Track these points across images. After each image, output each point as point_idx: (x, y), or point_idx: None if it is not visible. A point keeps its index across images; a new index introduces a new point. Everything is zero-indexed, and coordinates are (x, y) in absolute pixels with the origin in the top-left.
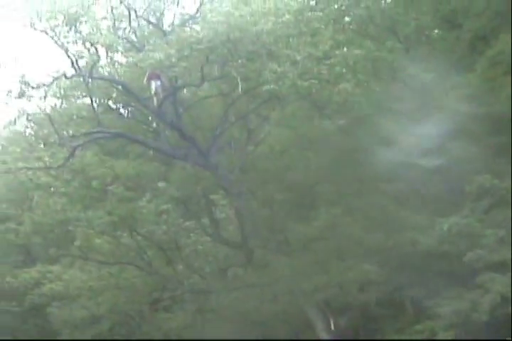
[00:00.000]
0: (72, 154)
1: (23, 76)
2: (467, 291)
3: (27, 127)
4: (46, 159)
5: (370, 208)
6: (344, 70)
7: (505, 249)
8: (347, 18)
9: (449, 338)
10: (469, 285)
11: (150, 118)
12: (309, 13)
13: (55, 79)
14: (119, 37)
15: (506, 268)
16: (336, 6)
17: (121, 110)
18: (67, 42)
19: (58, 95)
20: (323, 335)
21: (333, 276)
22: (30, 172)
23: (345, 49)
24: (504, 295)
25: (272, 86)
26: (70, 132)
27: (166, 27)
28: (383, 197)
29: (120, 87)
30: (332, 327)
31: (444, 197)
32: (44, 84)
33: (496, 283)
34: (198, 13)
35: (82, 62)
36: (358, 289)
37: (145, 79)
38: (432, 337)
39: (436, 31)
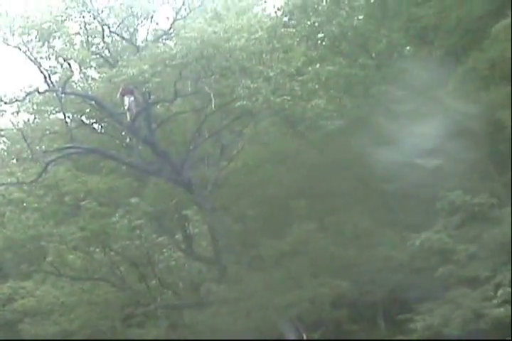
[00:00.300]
0: (44, 169)
1: None
2: (439, 306)
3: (0, 142)
4: (19, 174)
5: (343, 224)
6: (317, 86)
7: (476, 264)
8: (320, 35)
9: None
10: (441, 301)
11: (123, 133)
12: (282, 30)
13: (28, 94)
14: (92, 52)
15: (478, 283)
16: (308, 23)
17: (95, 125)
18: (40, 58)
19: (31, 110)
20: None
21: (306, 291)
22: (2, 188)
23: (317, 65)
24: (476, 311)
25: (245, 102)
26: (43, 147)
27: (139, 42)
28: (356, 212)
29: (93, 102)
30: None
31: (417, 212)
32: (17, 100)
33: (467, 298)
34: (172, 29)
35: (55, 78)
36: (330, 304)
37: (118, 94)
38: None
39: (407, 48)
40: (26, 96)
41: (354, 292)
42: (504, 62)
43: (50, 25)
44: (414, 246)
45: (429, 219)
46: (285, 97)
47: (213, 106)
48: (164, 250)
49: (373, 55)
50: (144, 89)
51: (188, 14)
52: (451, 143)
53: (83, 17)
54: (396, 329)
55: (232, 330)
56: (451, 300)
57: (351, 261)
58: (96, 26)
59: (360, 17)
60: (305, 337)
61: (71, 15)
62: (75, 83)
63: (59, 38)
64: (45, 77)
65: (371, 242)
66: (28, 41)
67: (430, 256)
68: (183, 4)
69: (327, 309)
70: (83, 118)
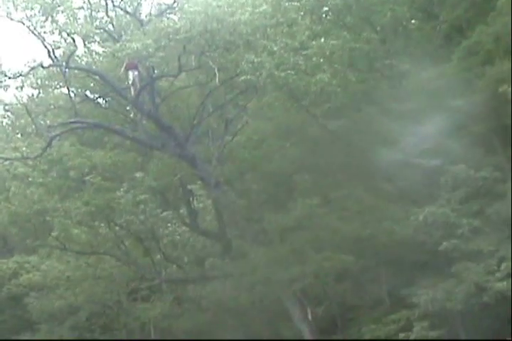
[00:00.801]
0: (49, 144)
1: None
2: (442, 281)
3: (4, 117)
4: (23, 149)
5: (347, 198)
6: (321, 61)
7: (480, 238)
8: (324, 8)
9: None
10: (444, 275)
11: (128, 108)
12: (286, 4)
13: (32, 68)
14: (96, 27)
15: (481, 257)
16: None
17: (99, 100)
18: (44, 33)
19: (35, 85)
20: (300, 324)
21: (310, 266)
22: (7, 163)
23: (322, 39)
24: (479, 285)
25: (248, 76)
26: (48, 122)
27: (143, 17)
28: (360, 187)
29: (97, 76)
30: (309, 316)
31: (421, 187)
32: (20, 74)
33: (471, 272)
34: (176, 3)
35: (59, 52)
36: (334, 279)
37: (122, 69)
38: (408, 327)
39: (412, 22)
40: (30, 70)
41: (358, 266)
42: (508, 36)
43: (54, 0)
44: (417, 220)
45: (433, 193)
46: (289, 72)
47: (217, 80)
48: (169, 224)
49: (378, 28)
50: (147, 64)
51: None
52: (454, 117)
53: None
54: (400, 304)
55: (236, 304)
56: (455, 274)
57: (355, 235)
58: (99, 0)
59: None
60: (309, 311)
61: None
62: (79, 58)
63: (62, 12)
64: (48, 52)
65: (375, 217)
66: (31, 16)
67: (434, 230)
68: None
69: (331, 283)
70: (87, 92)
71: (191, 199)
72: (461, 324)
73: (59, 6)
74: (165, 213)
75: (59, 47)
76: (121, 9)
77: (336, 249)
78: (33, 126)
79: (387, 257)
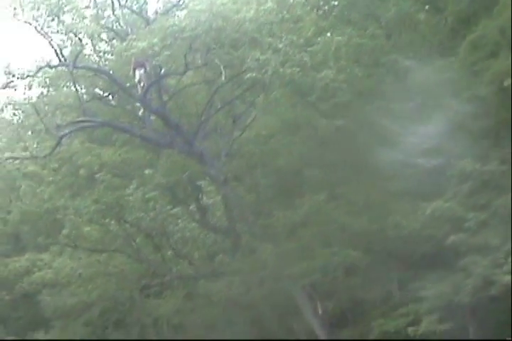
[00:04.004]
0: (58, 143)
1: (8, 66)
2: (450, 274)
3: (14, 115)
4: (33, 148)
5: (354, 193)
6: (326, 57)
7: (488, 232)
8: (329, 4)
9: (433, 320)
10: (452, 269)
11: (136, 106)
12: (291, 0)
13: (40, 68)
14: (102, 26)
15: (489, 251)
16: None
17: (107, 98)
18: (51, 32)
19: (44, 84)
20: (311, 319)
21: (319, 261)
22: (17, 162)
23: (327, 35)
24: (486, 278)
25: (254, 74)
26: (57, 121)
27: (149, 14)
28: (367, 182)
29: (104, 75)
30: (319, 310)
31: (428, 181)
32: (28, 75)
33: (479, 266)
34: (182, 1)
35: (66, 52)
36: (343, 273)
37: (131, 67)
38: (417, 320)
39: (418, 16)
40: (38, 70)
41: (366, 261)
42: None
43: (60, 0)
44: (425, 214)
45: (440, 187)
46: (295, 68)
47: (224, 77)
48: (179, 221)
49: (383, 24)
50: (154, 62)
51: None
52: (461, 110)
53: None
54: (409, 298)
55: (246, 300)
56: (462, 268)
57: (362, 230)
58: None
59: None
60: (319, 306)
61: None
62: (87, 56)
63: (69, 12)
64: (56, 52)
65: (382, 212)
66: (38, 16)
67: (441, 224)
68: None
69: (340, 278)
70: (96, 91)
71: (200, 195)
72: (469, 317)
73: (65, 6)
74: (175, 210)
75: (66, 47)
76: (128, 8)
77: (344, 244)
78: (43, 125)
79: (396, 251)
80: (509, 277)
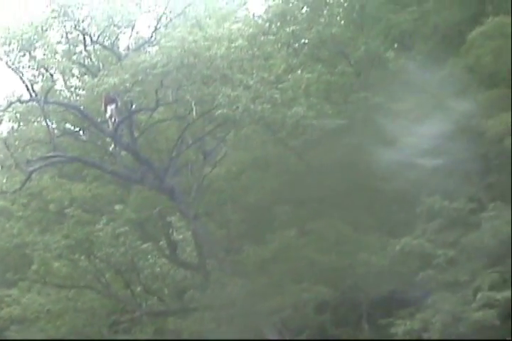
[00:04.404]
0: (28, 178)
1: None
2: (419, 311)
3: None
4: (4, 182)
5: (325, 230)
6: (297, 93)
7: (456, 268)
8: (299, 42)
9: None
10: (422, 305)
11: (107, 141)
12: (262, 38)
13: (10, 103)
14: (73, 62)
15: (457, 288)
16: (288, 30)
17: (78, 133)
18: (22, 67)
19: (14, 119)
20: None
21: (289, 297)
22: None
23: (298, 72)
24: (455, 315)
25: (225, 110)
26: (27, 156)
27: (121, 50)
28: (337, 218)
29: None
30: None
31: (398, 218)
32: None
33: (447, 302)
34: (153, 37)
35: (37, 87)
36: (314, 309)
37: (102, 103)
38: None
39: (387, 54)
40: (9, 105)
41: (337, 297)
42: (481, 68)
43: (31, 36)
44: (394, 251)
45: (409, 224)
46: (265, 105)
47: (194, 114)
48: (149, 257)
49: (352, 62)
50: (125, 98)
51: (169, 22)
52: (429, 147)
53: (64, 26)
54: (380, 333)
55: (216, 336)
56: (432, 304)
57: (332, 266)
58: (78, 35)
59: (340, 23)
60: None
61: (52, 24)
62: (58, 92)
63: (41, 47)
64: (27, 87)
65: (352, 248)
66: (9, 51)
67: (410, 261)
68: (164, 12)
69: (310, 314)
70: (66, 126)
71: (171, 231)
72: None
73: (37, 41)
74: (145, 245)
75: (37, 82)
76: (99, 44)
77: (314, 280)
78: (13, 160)
79: (365, 288)
80: (478, 314)
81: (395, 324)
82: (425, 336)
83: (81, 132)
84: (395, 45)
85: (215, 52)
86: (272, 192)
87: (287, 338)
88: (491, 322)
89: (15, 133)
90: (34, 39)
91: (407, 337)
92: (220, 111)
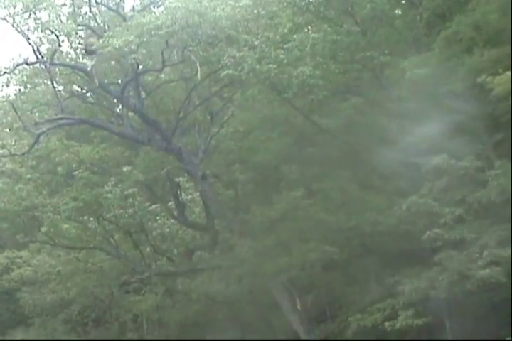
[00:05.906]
0: (36, 141)
1: None
2: (426, 269)
3: None
4: (12, 145)
5: (331, 190)
6: (302, 53)
7: (463, 227)
8: (305, 1)
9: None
10: (428, 264)
11: (114, 102)
12: None
13: (17, 65)
14: (79, 24)
15: (464, 246)
16: None
17: (86, 95)
18: (28, 30)
19: (21, 82)
20: (290, 314)
21: (296, 257)
22: None
23: (303, 31)
24: (461, 273)
25: (231, 71)
26: (35, 118)
27: (126, 11)
28: (344, 178)
29: (82, 73)
30: (298, 306)
31: (404, 177)
32: (6, 72)
33: (454, 260)
34: None
35: (43, 49)
36: (322, 268)
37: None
38: (394, 315)
39: (393, 11)
40: (15, 67)
41: (344, 256)
42: (487, 26)
43: None
44: (401, 210)
45: (416, 183)
46: (271, 65)
47: (199, 75)
48: (157, 218)
49: (358, 20)
50: (131, 60)
51: None
52: (436, 106)
53: None
54: (386, 292)
55: (225, 296)
56: (438, 263)
57: (339, 226)
58: None
59: None
60: (298, 301)
61: None
62: (64, 54)
63: (45, 9)
64: (33, 49)
65: (359, 207)
66: (14, 13)
67: (417, 219)
68: None
69: (318, 273)
70: (73, 88)
71: (179, 192)
72: (445, 311)
73: (41, 3)
74: (153, 206)
75: (43, 44)
76: (104, 5)
77: (321, 239)
78: (20, 123)
79: (372, 247)
80: (484, 271)
81: (402, 282)
82: (432, 294)
83: (88, 94)
84: (402, 2)
85: (220, 13)
86: (279, 152)
87: (295, 296)
88: (497, 279)
89: (22, 96)
90: (39, 0)
91: (414, 295)
92: (226, 72)
